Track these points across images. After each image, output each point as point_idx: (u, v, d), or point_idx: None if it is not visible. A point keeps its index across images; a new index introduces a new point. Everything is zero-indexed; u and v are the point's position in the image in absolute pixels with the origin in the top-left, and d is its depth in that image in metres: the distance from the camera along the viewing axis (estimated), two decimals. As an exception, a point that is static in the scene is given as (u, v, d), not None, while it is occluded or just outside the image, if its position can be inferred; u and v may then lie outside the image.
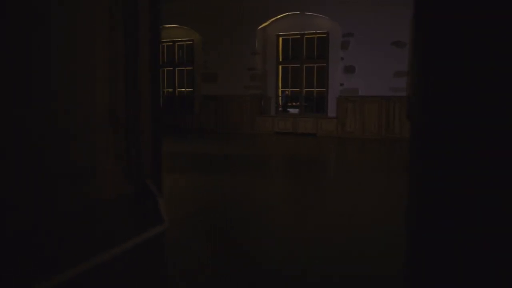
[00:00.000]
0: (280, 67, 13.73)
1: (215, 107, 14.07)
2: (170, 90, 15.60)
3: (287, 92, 14.19)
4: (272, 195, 5.54)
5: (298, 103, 13.92)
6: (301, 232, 3.95)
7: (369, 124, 12.08)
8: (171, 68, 15.41)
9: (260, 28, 13.45)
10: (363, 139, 11.87)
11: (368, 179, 6.67)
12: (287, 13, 13.01)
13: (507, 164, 0.83)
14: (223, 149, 10.27)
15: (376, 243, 3.60)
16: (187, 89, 15.27)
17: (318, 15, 12.62)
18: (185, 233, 3.92)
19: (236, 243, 3.64)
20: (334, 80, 12.73)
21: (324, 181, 6.79)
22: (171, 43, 15.28)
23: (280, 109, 13.99)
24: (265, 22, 13.36)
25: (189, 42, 14.90)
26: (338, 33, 12.46)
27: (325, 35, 12.94)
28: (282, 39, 13.62)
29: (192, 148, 10.39)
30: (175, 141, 12.03)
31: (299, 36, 13.29)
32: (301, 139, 12.10)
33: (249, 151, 9.96)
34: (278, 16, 13.19)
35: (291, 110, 14.26)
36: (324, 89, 13.12)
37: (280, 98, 13.95)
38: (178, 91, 15.43)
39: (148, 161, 1.44)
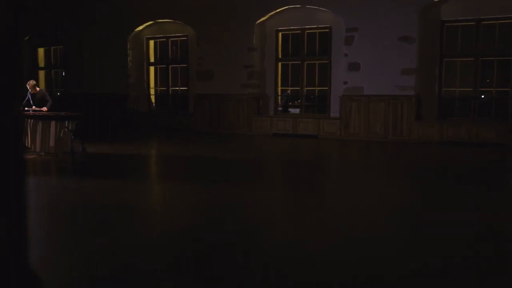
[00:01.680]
0: (280, 64, 13.07)
1: (211, 106, 13.43)
2: (163, 89, 14.99)
3: (288, 92, 13.51)
4: (266, 210, 4.87)
5: (299, 101, 13.25)
6: (298, 263, 3.27)
7: (375, 125, 11.39)
8: (165, 66, 14.80)
9: (258, 23, 12.79)
10: (369, 141, 11.18)
11: (373, 187, 6.00)
12: (287, 7, 12.35)
13: None
14: (217, 152, 9.61)
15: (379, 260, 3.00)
16: (181, 88, 14.65)
17: (320, 8, 11.95)
18: (155, 260, 3.27)
19: (214, 279, 2.97)
20: (337, 78, 12.05)
21: (325, 191, 6.12)
22: (164, 39, 14.66)
23: (279, 109, 13.31)
24: (264, 16, 12.71)
25: (183, 38, 14.27)
26: (342, 28, 11.78)
27: (327, 30, 12.27)
28: (282, 34, 12.97)
29: (185, 151, 9.74)
30: (168, 143, 11.43)
31: (299, 31, 12.63)
32: (302, 141, 11.42)
33: (245, 155, 9.30)
34: (278, 10, 12.53)
35: (292, 110, 13.56)
36: (327, 88, 12.45)
37: (280, 97, 13.27)
38: (172, 89, 14.81)
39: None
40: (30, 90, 9.43)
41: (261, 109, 13.06)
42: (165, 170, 7.72)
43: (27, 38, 16.66)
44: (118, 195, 5.39)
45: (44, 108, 9.27)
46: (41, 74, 17.04)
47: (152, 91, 15.14)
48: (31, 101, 9.45)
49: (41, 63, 16.97)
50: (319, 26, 12.34)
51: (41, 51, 16.91)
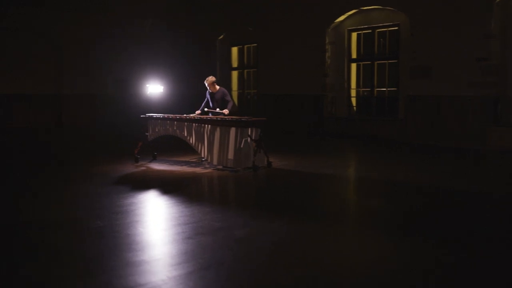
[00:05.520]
0: (529, 55, 10.11)
1: (427, 111, 11.18)
2: (367, 89, 13.23)
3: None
4: None
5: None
6: None
7: None
8: (369, 62, 13.07)
9: (499, 0, 10.03)
10: None
11: None
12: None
13: None
14: (439, 177, 7.32)
15: None
16: (388, 88, 12.76)
17: None
18: None
19: None
20: None
21: None
22: (370, 31, 12.94)
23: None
24: (507, -9, 9.95)
25: (393, 28, 12.38)
26: None
27: None
28: (533, 14, 9.99)
29: (395, 174, 7.69)
30: (371, 159, 9.55)
31: (562, 8, 9.48)
32: None
33: (485, 187, 6.78)
34: (528, -19, 9.63)
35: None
36: None
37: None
38: (377, 90, 13.02)
39: None
40: (208, 88, 8.51)
41: (500, 116, 10.30)
42: (369, 207, 5.71)
43: (221, 37, 16.47)
44: (302, 259, 3.66)
45: (225, 111, 8.20)
46: (234, 74, 16.74)
47: (353, 93, 13.44)
48: (210, 103, 8.55)
49: (234, 63, 16.65)
50: None
51: (234, 50, 16.64)
